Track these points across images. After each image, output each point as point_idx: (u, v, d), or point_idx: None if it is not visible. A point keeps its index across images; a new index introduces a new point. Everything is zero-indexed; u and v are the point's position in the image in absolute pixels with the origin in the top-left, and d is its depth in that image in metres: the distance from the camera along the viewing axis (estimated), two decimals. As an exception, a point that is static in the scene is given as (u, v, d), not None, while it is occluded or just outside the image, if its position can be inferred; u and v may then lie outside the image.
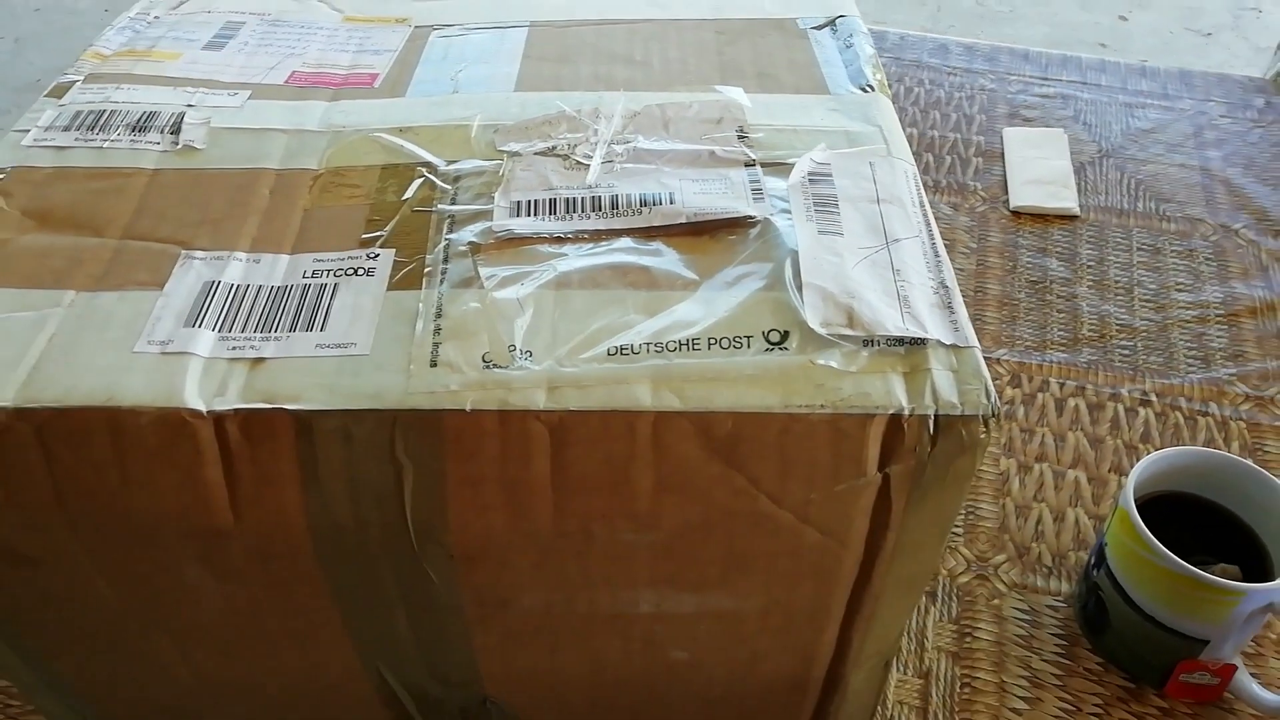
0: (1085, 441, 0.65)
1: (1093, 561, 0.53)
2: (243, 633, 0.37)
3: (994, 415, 0.31)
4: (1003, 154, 0.88)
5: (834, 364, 0.31)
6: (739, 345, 0.32)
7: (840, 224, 0.35)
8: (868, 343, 0.32)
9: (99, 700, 0.42)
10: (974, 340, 0.32)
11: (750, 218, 0.36)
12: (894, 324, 0.32)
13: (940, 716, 0.52)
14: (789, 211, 0.36)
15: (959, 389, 0.31)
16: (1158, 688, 0.52)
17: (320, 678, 0.40)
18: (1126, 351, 0.71)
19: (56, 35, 2.31)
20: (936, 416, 0.30)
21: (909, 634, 0.55)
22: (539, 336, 0.32)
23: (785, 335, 0.32)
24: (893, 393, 0.31)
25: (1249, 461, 0.51)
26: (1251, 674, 0.51)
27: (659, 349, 0.32)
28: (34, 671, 0.40)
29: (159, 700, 0.42)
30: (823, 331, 0.32)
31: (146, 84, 0.43)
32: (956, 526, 0.60)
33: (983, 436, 0.31)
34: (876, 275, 0.34)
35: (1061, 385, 0.69)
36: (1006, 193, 0.84)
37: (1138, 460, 0.50)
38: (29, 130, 0.40)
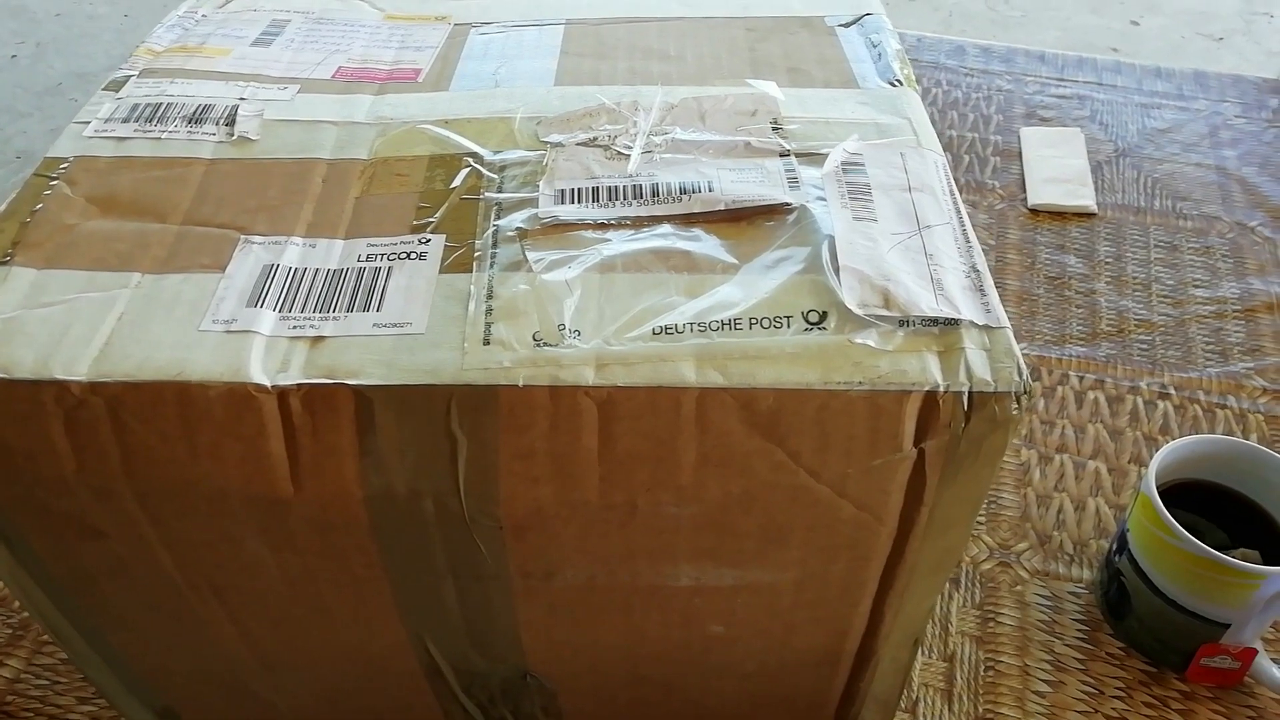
0: (1105, 433, 0.66)
1: (1114, 548, 0.54)
2: (296, 603, 0.38)
3: (1026, 392, 0.32)
4: (1020, 153, 0.89)
5: (871, 343, 0.32)
6: (779, 325, 0.33)
7: (874, 211, 0.37)
8: (903, 323, 0.33)
9: (151, 671, 0.44)
10: (1005, 321, 0.33)
11: (787, 205, 0.37)
12: (928, 305, 0.33)
13: (964, 698, 0.53)
14: (824, 199, 0.37)
15: (992, 367, 0.32)
16: (1179, 672, 0.53)
17: (367, 649, 0.41)
18: (1145, 346, 0.72)
19: (76, 40, 2.34)
20: (971, 393, 0.32)
21: (934, 619, 0.56)
22: (586, 316, 0.33)
23: (824, 315, 0.33)
24: (928, 370, 0.32)
25: (1268, 449, 0.52)
26: (1272, 659, 0.52)
27: (702, 328, 0.33)
28: (89, 642, 0.42)
29: (210, 672, 0.43)
30: (860, 312, 0.33)
31: (199, 78, 0.44)
32: (979, 515, 0.61)
33: (1015, 413, 0.32)
34: (910, 259, 0.35)
35: (1081, 379, 0.70)
36: (1024, 191, 0.86)
37: (1157, 452, 0.51)
38: (89, 122, 0.42)
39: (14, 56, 2.28)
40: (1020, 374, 0.32)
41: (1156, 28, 2.34)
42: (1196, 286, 0.77)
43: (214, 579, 0.37)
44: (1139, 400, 0.68)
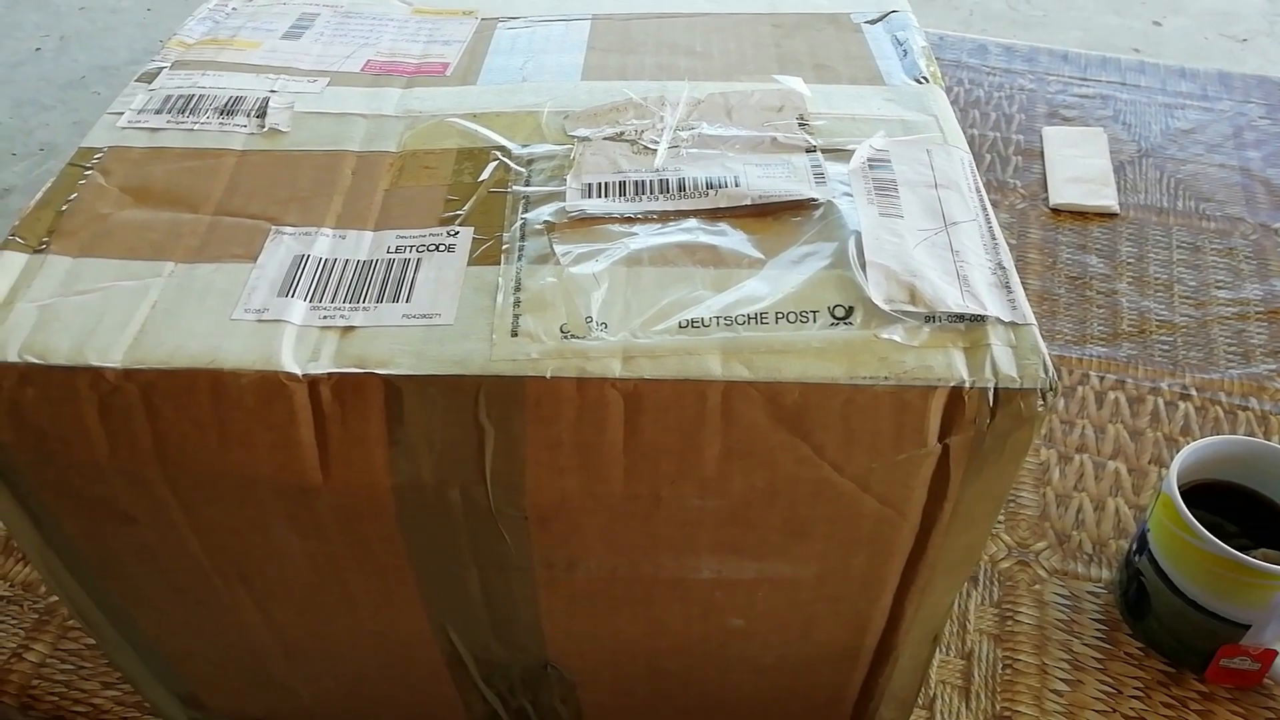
0: (1125, 434, 0.66)
1: (1134, 548, 0.54)
2: (321, 590, 0.39)
3: (1051, 389, 0.32)
4: (1042, 152, 0.89)
5: (897, 338, 0.33)
6: (805, 319, 0.33)
7: (900, 207, 0.37)
8: (929, 319, 0.33)
9: (176, 657, 0.44)
10: (1031, 318, 0.33)
11: (813, 200, 0.37)
12: (954, 301, 0.33)
13: (982, 696, 0.53)
14: (850, 195, 0.38)
15: (1018, 363, 0.32)
16: (1198, 672, 0.53)
17: (390, 638, 0.41)
18: (1166, 347, 0.72)
19: (100, 34, 2.36)
20: (996, 389, 0.32)
21: (952, 616, 0.56)
22: (613, 309, 0.34)
23: (850, 310, 0.33)
24: (954, 366, 0.32)
25: (1291, 451, 0.52)
26: (1291, 660, 0.51)
27: (728, 322, 0.33)
28: (116, 627, 0.43)
29: (234, 658, 0.44)
30: (886, 307, 0.33)
31: (230, 71, 0.45)
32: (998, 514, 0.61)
33: (1040, 409, 0.32)
34: (936, 256, 0.35)
35: (1101, 379, 0.69)
36: (1046, 190, 0.85)
37: (1178, 452, 0.51)
38: (123, 113, 0.42)
39: (38, 50, 2.30)
40: (1046, 370, 0.32)
41: (1179, 28, 2.32)
42: (1219, 288, 0.77)
43: (241, 565, 0.38)
44: (1160, 401, 0.68)
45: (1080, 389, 0.69)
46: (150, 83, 0.44)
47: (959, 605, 0.57)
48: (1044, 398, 0.32)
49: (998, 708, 0.52)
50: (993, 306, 0.33)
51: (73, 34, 2.36)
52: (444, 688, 0.45)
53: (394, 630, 0.41)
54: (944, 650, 0.55)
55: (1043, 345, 0.33)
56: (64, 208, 0.38)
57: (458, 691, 0.45)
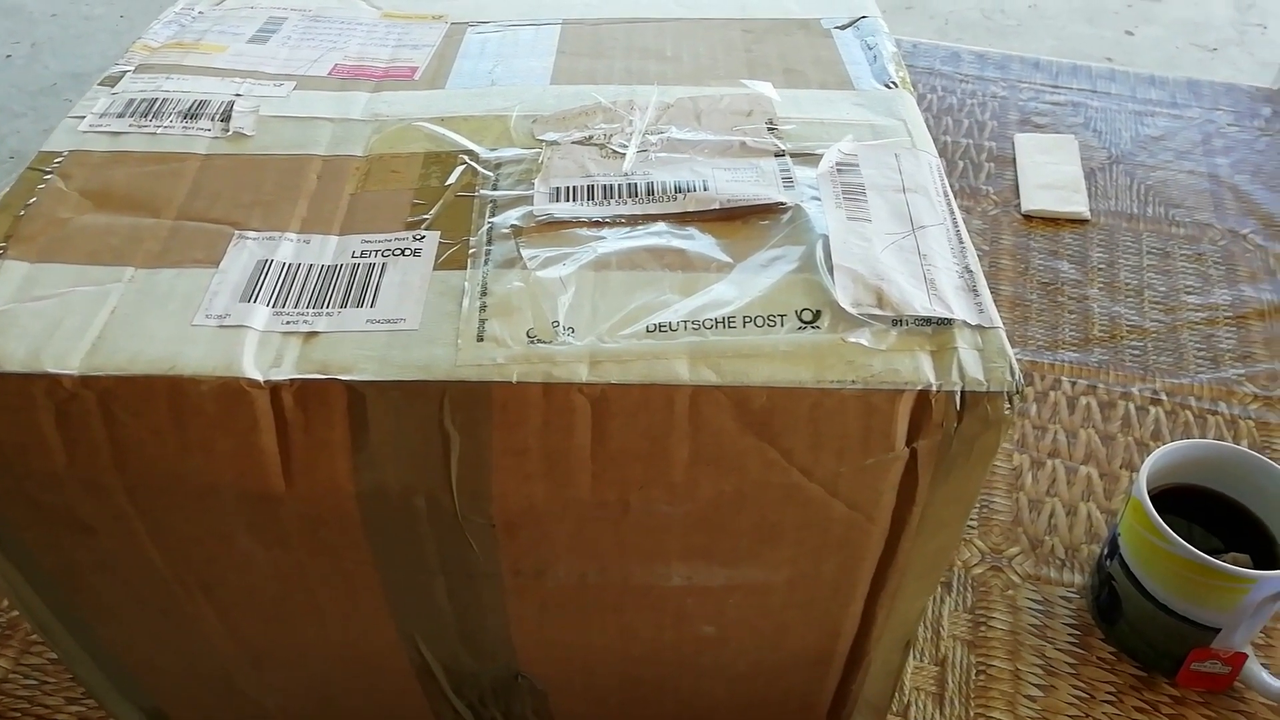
0: (1097, 438, 0.66)
1: (1106, 552, 0.54)
2: (286, 600, 0.38)
3: (1018, 392, 0.32)
4: (1014, 159, 0.90)
5: (864, 342, 0.32)
6: (773, 323, 0.33)
7: (868, 211, 0.37)
8: (896, 322, 0.33)
9: (140, 670, 0.43)
10: (998, 321, 0.33)
11: (781, 204, 0.37)
12: (921, 304, 0.33)
13: (956, 702, 0.53)
14: (818, 199, 0.37)
15: (984, 367, 0.32)
16: (1170, 676, 0.53)
17: (357, 648, 0.41)
18: (1137, 352, 0.72)
19: (72, 41, 2.34)
20: (963, 392, 0.32)
21: (925, 622, 0.56)
22: (580, 313, 0.33)
23: (817, 314, 0.33)
24: (921, 369, 0.32)
25: (1259, 454, 0.53)
26: (1262, 663, 0.52)
27: (696, 327, 0.33)
28: (78, 639, 0.42)
29: (199, 670, 0.43)
30: (853, 311, 0.33)
31: (195, 74, 0.44)
32: (971, 519, 0.61)
33: (1007, 413, 0.32)
34: (904, 259, 0.35)
35: (1073, 384, 0.70)
36: (1018, 197, 0.86)
37: (1149, 456, 0.51)
38: (84, 116, 0.42)
39: (9, 56, 2.28)
40: (1013, 374, 0.32)
41: (1151, 38, 2.35)
42: (1188, 293, 0.77)
43: (204, 575, 0.37)
44: (1131, 406, 0.68)
45: (1052, 394, 0.69)
46: (113, 86, 0.44)
47: (932, 611, 0.57)
48: (1011, 401, 0.32)
49: (972, 714, 0.52)
50: (959, 310, 0.33)
51: (45, 41, 2.33)
52: (414, 699, 0.45)
53: (361, 640, 0.41)
54: (918, 656, 0.55)
55: (1009, 348, 0.33)
56: (22, 212, 0.37)
57: (428, 702, 0.45)
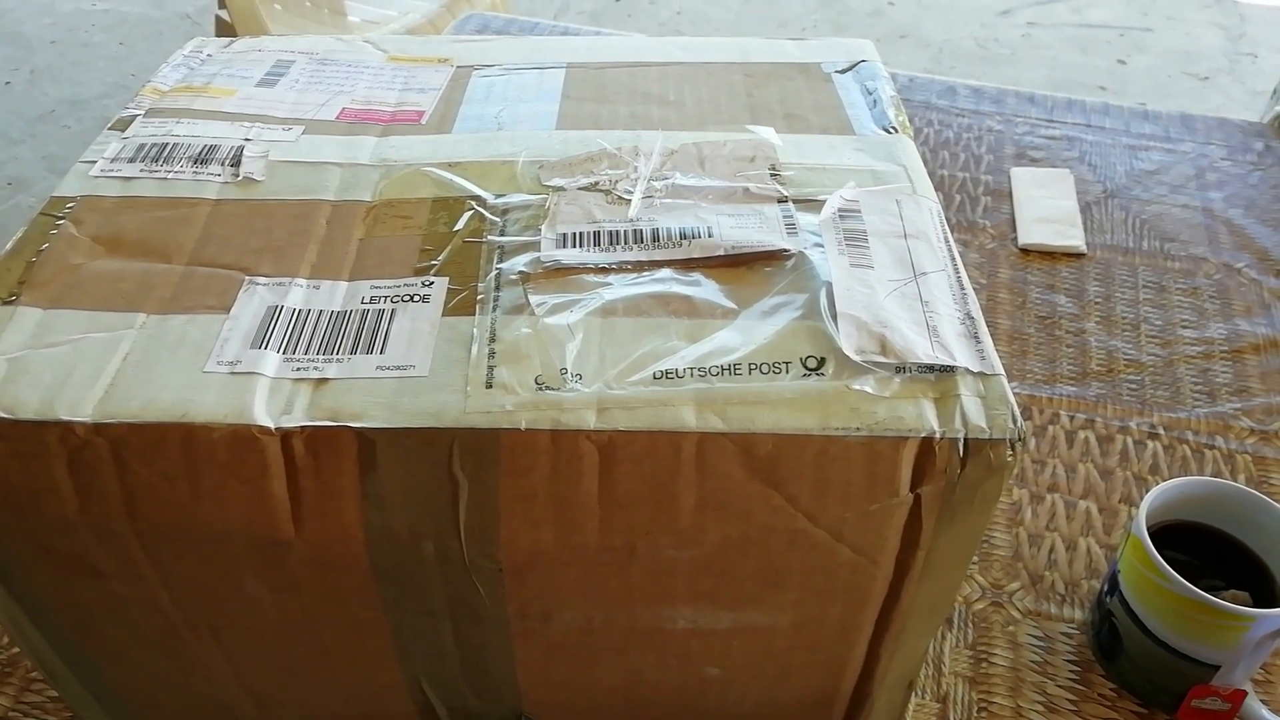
0: (1095, 473, 0.66)
1: (1105, 589, 0.55)
2: (294, 645, 0.38)
3: (1020, 439, 0.32)
4: (1010, 193, 0.91)
5: (868, 389, 0.33)
6: (778, 370, 0.33)
7: (870, 258, 0.37)
8: (900, 369, 0.33)
9: (143, 710, 0.43)
10: (1000, 368, 0.34)
11: (785, 251, 0.38)
12: (924, 352, 0.34)
13: (958, 739, 0.53)
14: (821, 245, 0.38)
15: (987, 414, 0.32)
16: (1170, 713, 0.53)
17: (362, 690, 0.41)
18: (1134, 385, 0.73)
19: (71, 67, 2.35)
20: (966, 440, 0.32)
21: (927, 659, 0.56)
22: (588, 360, 0.34)
23: (822, 361, 0.34)
24: (924, 417, 0.32)
25: (1257, 492, 0.53)
26: (1261, 700, 0.52)
27: (702, 373, 0.33)
28: (84, 682, 0.42)
29: (203, 710, 0.43)
30: (857, 358, 0.33)
31: (205, 118, 0.45)
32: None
33: (1009, 459, 0.32)
34: (906, 306, 0.36)
35: (1071, 418, 0.70)
36: (1015, 231, 0.87)
37: (1147, 491, 0.52)
38: (95, 161, 0.42)
39: (8, 83, 2.29)
40: (1015, 421, 0.32)
41: (1143, 67, 2.38)
42: (1184, 327, 0.78)
43: (212, 619, 0.37)
44: (1129, 440, 0.69)
45: (1051, 428, 0.70)
46: (124, 130, 0.44)
47: (934, 648, 0.57)
48: (1013, 448, 0.32)
49: (973, 750, 0.52)
50: (962, 357, 0.34)
51: (43, 67, 2.35)
52: (417, 738, 0.45)
53: (367, 682, 0.41)
54: (920, 694, 0.55)
55: (1011, 396, 0.33)
56: (35, 258, 0.38)
57: (431, 742, 0.45)
